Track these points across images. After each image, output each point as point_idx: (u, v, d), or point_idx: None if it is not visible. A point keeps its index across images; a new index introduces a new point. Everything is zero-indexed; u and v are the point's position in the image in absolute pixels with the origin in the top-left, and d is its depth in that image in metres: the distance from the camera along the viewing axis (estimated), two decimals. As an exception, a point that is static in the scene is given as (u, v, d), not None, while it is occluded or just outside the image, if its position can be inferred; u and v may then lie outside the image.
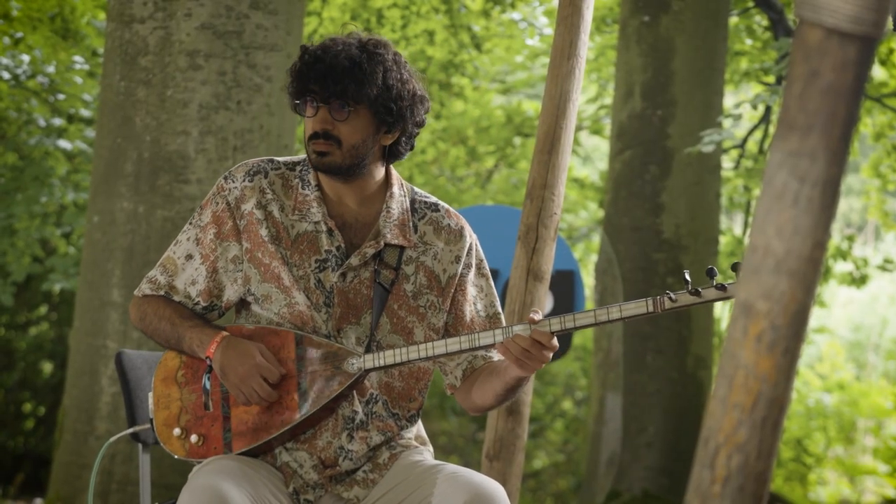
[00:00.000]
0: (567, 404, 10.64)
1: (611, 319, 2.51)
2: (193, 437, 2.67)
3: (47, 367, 8.69)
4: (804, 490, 10.44)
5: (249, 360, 2.60)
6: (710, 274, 2.43)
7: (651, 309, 2.49)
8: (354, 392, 2.67)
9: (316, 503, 2.66)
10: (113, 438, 2.91)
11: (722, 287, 2.44)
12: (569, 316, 2.52)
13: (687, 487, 1.53)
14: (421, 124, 2.72)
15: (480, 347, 2.59)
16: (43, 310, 8.78)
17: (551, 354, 2.55)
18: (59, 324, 8.58)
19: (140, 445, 2.86)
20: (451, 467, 2.62)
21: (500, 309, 2.80)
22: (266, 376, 2.61)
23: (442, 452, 9.72)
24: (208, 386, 2.68)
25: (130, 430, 2.85)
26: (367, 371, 2.63)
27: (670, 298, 2.47)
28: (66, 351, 8.13)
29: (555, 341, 2.54)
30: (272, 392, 2.61)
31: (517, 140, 10.36)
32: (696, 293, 2.46)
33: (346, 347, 2.64)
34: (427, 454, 2.76)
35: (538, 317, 2.54)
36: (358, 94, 2.59)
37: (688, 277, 2.46)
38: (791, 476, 10.56)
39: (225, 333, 2.66)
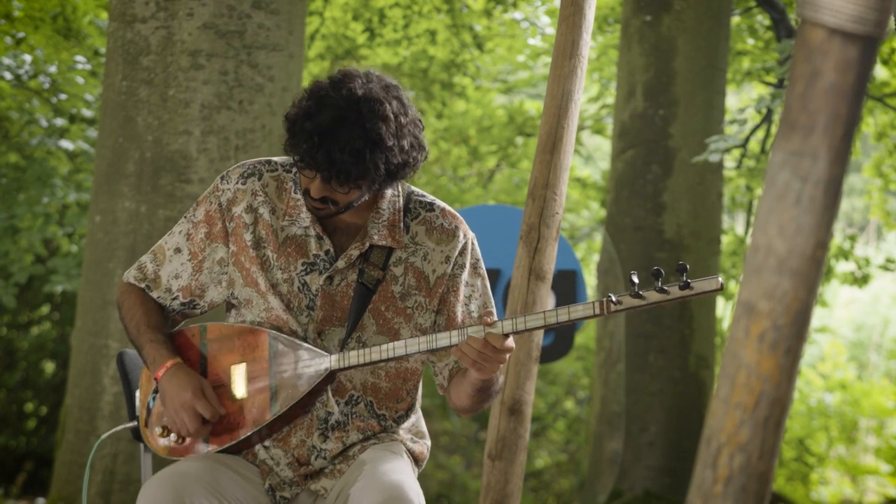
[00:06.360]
0: (569, 404, 10.64)
1: (559, 321, 2.54)
2: (172, 436, 2.73)
3: (49, 366, 8.69)
4: (806, 490, 10.43)
5: (187, 393, 2.66)
6: (656, 275, 2.46)
7: (597, 311, 2.51)
8: (330, 393, 2.70)
9: (293, 500, 2.69)
10: (105, 435, 2.94)
11: (663, 290, 2.48)
12: (520, 318, 2.55)
13: (689, 487, 1.53)
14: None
15: (439, 349, 2.60)
16: (45, 309, 8.78)
17: (507, 356, 2.56)
18: (61, 323, 8.58)
19: (142, 445, 2.89)
20: (377, 467, 2.61)
21: (493, 310, 2.79)
22: (201, 412, 2.65)
23: (444, 452, 9.73)
24: (151, 405, 2.76)
25: (116, 429, 2.92)
26: (334, 371, 2.65)
27: (613, 301, 2.50)
28: (68, 350, 8.13)
29: (510, 343, 2.55)
30: (200, 428, 2.66)
31: (519, 140, 10.36)
32: (638, 296, 2.49)
33: (315, 349, 2.66)
34: (402, 448, 2.75)
35: (492, 318, 2.56)
36: (360, 184, 2.58)
37: (635, 279, 2.48)
38: (793, 476, 10.56)
39: (177, 360, 2.71)
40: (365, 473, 2.58)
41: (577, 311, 2.53)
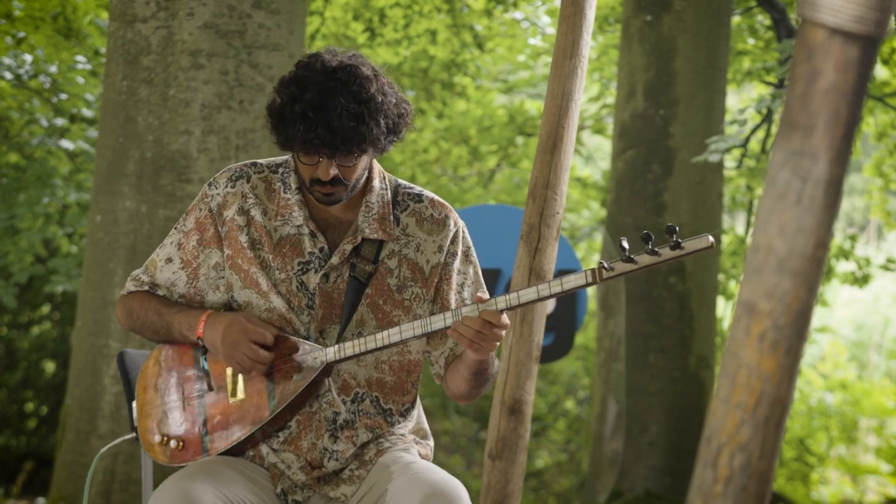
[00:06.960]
0: (569, 404, 10.64)
1: (553, 293, 2.53)
2: (172, 443, 2.72)
3: (50, 366, 8.70)
4: (806, 489, 10.43)
5: (236, 327, 2.63)
6: (645, 239, 2.45)
7: (590, 279, 2.50)
8: (335, 392, 2.69)
9: (305, 503, 2.67)
10: (104, 449, 2.93)
11: (654, 252, 2.46)
12: (513, 293, 2.55)
13: (689, 487, 1.53)
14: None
15: (434, 332, 2.60)
16: (45, 309, 8.78)
17: (503, 333, 2.55)
18: (61, 323, 8.58)
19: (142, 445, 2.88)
20: (414, 464, 2.61)
21: (487, 296, 2.79)
22: (256, 340, 2.62)
23: (444, 452, 9.73)
24: (206, 367, 2.72)
25: (116, 442, 2.92)
26: (331, 364, 2.65)
27: (606, 268, 2.49)
28: (68, 350, 8.14)
29: (505, 319, 2.54)
30: (266, 354, 2.63)
31: (519, 139, 10.36)
32: (631, 260, 2.48)
33: (312, 343, 2.65)
34: (414, 450, 2.75)
35: (486, 296, 2.56)
36: (366, 147, 2.59)
37: (625, 245, 2.47)
38: (793, 475, 10.56)
39: (209, 311, 2.69)
40: (401, 471, 2.58)
41: (569, 280, 2.52)
